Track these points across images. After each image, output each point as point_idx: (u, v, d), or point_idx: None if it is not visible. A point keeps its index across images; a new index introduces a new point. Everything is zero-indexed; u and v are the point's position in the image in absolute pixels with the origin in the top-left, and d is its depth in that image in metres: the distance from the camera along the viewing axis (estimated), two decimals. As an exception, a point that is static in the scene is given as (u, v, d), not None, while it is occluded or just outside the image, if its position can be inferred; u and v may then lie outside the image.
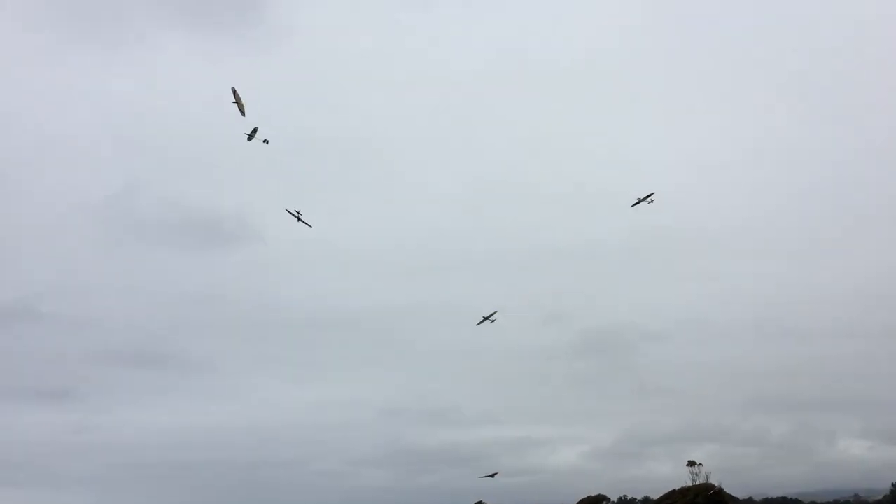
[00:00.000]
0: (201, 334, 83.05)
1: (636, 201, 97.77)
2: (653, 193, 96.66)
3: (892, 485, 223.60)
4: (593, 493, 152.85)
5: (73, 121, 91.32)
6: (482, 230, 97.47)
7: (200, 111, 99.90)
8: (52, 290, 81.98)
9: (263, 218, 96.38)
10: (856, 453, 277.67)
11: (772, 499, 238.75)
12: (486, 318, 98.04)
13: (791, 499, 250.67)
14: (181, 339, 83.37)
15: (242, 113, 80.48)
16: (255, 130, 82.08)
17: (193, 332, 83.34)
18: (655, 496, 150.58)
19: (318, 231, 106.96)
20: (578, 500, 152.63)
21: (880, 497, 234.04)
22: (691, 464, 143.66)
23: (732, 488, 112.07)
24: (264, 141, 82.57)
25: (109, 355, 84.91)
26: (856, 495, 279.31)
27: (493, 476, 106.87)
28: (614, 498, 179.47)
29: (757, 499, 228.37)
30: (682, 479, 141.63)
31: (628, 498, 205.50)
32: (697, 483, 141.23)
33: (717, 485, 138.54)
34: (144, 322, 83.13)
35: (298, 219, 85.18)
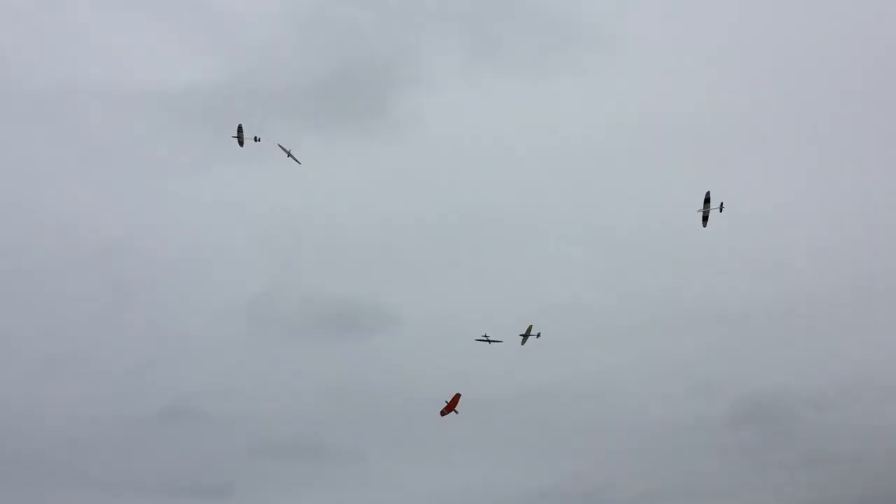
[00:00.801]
0: (349, 424, 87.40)
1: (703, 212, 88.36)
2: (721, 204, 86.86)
3: None
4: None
5: (218, 229, 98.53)
6: (624, 297, 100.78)
7: (328, 204, 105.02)
8: (206, 391, 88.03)
9: (400, 301, 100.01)
10: None
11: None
12: (527, 335, 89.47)
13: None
14: (329, 430, 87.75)
15: (241, 144, 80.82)
16: (240, 129, 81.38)
17: (341, 422, 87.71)
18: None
19: (453, 308, 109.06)
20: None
21: None
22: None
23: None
24: (255, 139, 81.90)
25: (262, 450, 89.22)
26: None
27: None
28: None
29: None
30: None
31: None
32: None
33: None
34: (293, 416, 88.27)
35: (289, 154, 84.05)
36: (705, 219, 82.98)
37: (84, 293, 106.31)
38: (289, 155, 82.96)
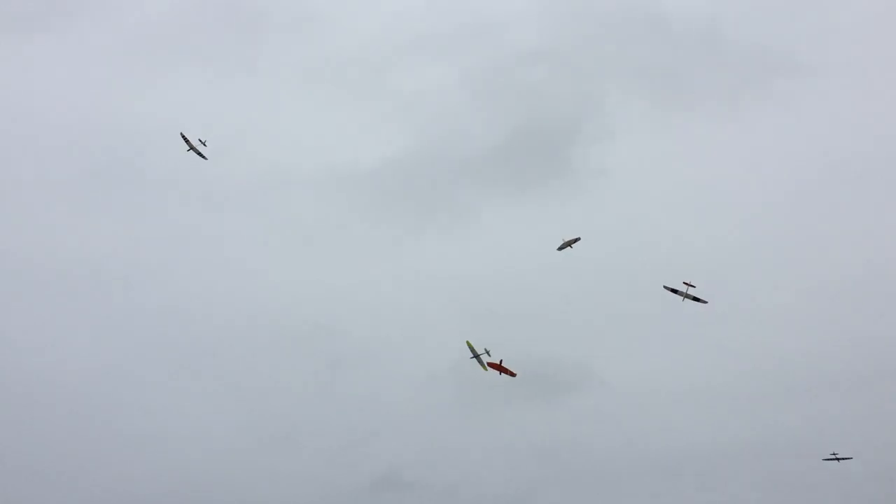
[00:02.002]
0: (561, 486, 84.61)
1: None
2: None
3: None
4: None
5: (419, 297, 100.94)
6: (831, 342, 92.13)
7: (525, 269, 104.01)
8: (416, 460, 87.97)
9: (605, 363, 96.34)
10: None
11: None
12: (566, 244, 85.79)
13: None
14: (543, 494, 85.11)
15: (202, 155, 79.22)
16: (184, 138, 79.04)
17: (553, 485, 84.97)
18: None
19: (655, 368, 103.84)
20: None
21: None
22: None
23: None
24: (201, 141, 79.23)
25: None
26: None
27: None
28: None
29: None
30: None
31: None
32: None
33: None
34: (504, 480, 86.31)
35: (190, 147, 79.84)
36: None
37: (295, 374, 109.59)
38: (191, 149, 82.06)
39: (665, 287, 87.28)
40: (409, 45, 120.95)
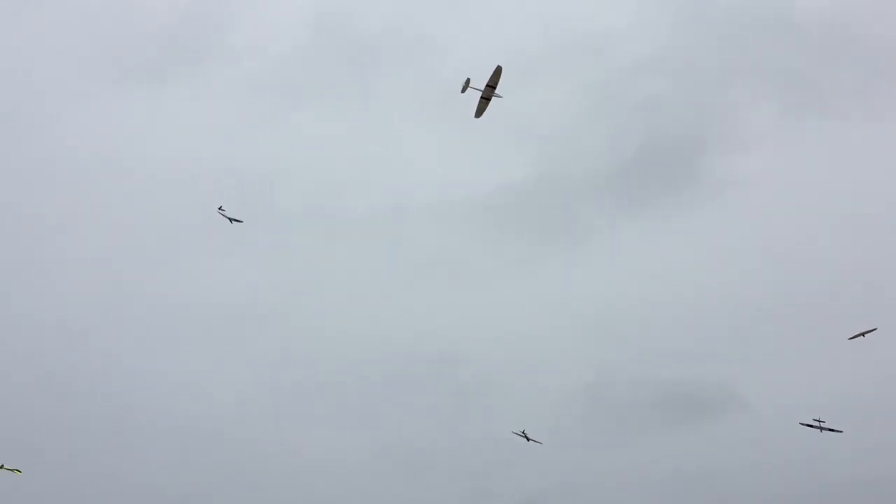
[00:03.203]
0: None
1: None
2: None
3: None
4: None
5: (545, 324, 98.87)
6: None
7: (652, 288, 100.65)
8: (552, 487, 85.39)
9: (747, 387, 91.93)
10: None
11: None
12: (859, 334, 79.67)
13: None
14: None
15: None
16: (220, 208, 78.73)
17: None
18: None
19: (799, 398, 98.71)
20: None
21: None
22: None
23: None
24: (220, 209, 78.95)
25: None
26: None
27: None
28: None
29: None
30: None
31: None
32: None
33: None
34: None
35: (228, 218, 78.77)
36: None
37: (428, 399, 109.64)
38: (231, 220, 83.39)
39: (801, 424, 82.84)
40: (526, 66, 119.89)
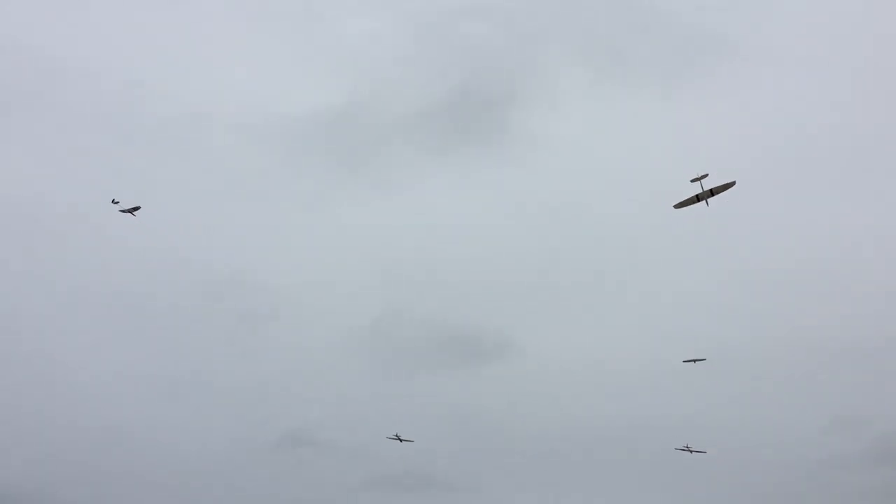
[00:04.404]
0: (465, 454, 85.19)
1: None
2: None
3: None
4: None
5: (339, 256, 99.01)
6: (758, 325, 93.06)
7: (455, 235, 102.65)
8: (327, 418, 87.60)
9: (526, 335, 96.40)
10: None
11: None
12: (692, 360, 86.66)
13: None
14: (446, 460, 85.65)
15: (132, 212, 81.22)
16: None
17: (457, 452, 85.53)
18: None
19: (581, 346, 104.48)
20: None
21: None
22: None
23: None
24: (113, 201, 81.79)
25: (380, 480, 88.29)
26: None
27: None
28: None
29: None
30: None
31: None
32: None
33: None
34: (411, 445, 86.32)
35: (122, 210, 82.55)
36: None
37: (209, 322, 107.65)
38: (126, 211, 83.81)
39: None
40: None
